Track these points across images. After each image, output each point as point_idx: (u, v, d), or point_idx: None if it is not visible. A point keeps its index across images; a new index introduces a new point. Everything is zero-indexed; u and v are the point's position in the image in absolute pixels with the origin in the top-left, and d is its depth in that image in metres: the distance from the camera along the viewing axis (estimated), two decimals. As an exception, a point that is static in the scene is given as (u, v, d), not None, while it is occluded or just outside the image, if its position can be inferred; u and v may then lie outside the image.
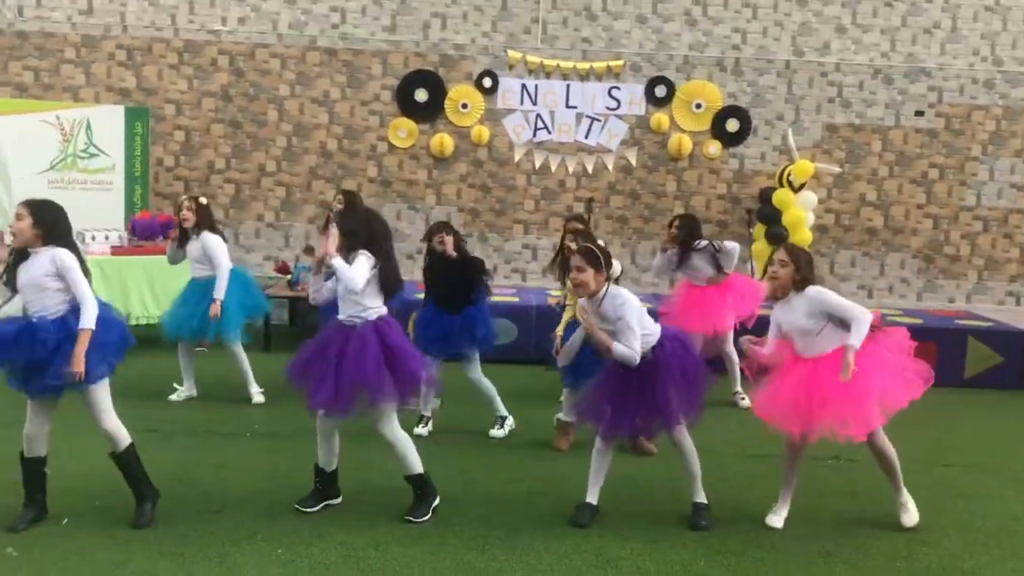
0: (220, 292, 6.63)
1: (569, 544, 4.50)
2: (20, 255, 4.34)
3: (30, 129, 9.23)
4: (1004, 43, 10.56)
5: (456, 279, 6.18)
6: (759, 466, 5.90)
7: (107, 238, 8.59)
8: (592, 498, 4.89)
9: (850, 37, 10.55)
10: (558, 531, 4.66)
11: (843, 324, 4.62)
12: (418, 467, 4.77)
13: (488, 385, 6.33)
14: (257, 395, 6.98)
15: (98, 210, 9.21)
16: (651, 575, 4.21)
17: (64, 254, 4.28)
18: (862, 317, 4.56)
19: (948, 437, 6.74)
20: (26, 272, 4.29)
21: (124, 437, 4.48)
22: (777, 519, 4.94)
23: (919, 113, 10.57)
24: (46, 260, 4.27)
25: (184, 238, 6.87)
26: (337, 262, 4.47)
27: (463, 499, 5.08)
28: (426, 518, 4.72)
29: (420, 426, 6.27)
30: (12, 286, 4.35)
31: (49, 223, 4.33)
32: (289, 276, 9.64)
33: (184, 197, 7.09)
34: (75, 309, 4.26)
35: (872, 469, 5.12)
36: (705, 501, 4.92)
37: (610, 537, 4.62)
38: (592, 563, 4.30)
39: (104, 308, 4.38)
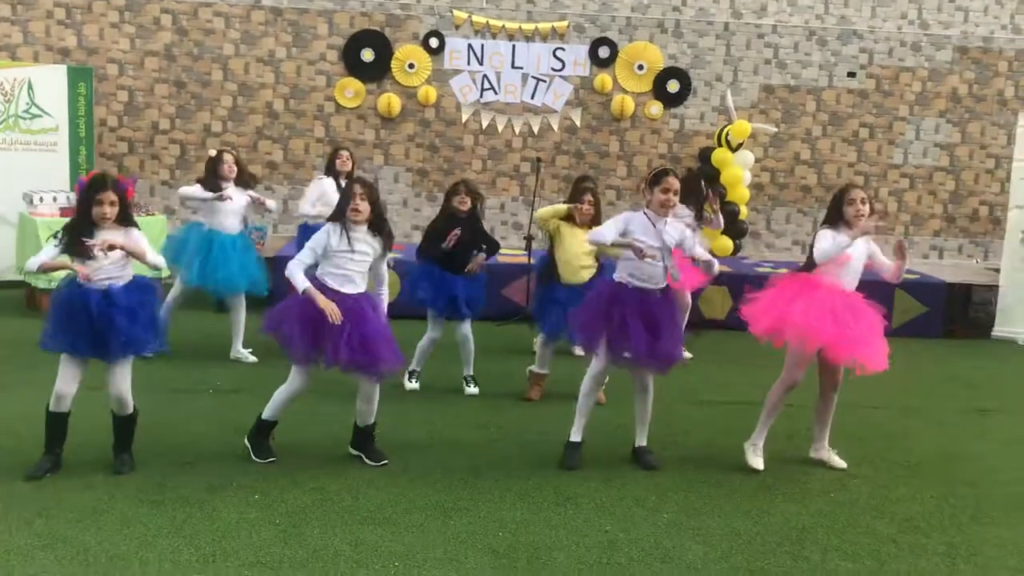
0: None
1: (530, 484, 4.79)
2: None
3: (-31, 89, 9.10)
4: (930, 6, 11.02)
5: (468, 240, 6.31)
6: (703, 411, 6.29)
7: (55, 199, 8.55)
8: (579, 436, 5.19)
9: (786, 0, 10.89)
10: (519, 472, 4.95)
11: None
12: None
13: (472, 344, 6.52)
14: (237, 352, 7.15)
15: (43, 171, 9.15)
16: (607, 510, 4.53)
17: (137, 233, 4.62)
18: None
19: (876, 383, 7.05)
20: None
21: (133, 404, 4.73)
22: (759, 460, 5.29)
23: (851, 74, 11.00)
24: (130, 239, 4.56)
25: (217, 188, 6.86)
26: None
27: (427, 446, 5.34)
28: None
29: (412, 380, 6.53)
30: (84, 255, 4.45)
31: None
32: (239, 236, 9.68)
33: (224, 150, 7.05)
34: (133, 279, 4.62)
35: (806, 415, 5.54)
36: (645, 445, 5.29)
37: (567, 477, 4.94)
38: (552, 500, 4.61)
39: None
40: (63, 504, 4.29)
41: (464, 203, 6.29)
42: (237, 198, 6.94)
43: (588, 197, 6.29)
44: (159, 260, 4.70)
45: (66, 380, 4.55)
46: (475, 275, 6.37)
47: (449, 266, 6.30)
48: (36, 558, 3.77)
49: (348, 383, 5.05)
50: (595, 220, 6.26)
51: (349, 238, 4.75)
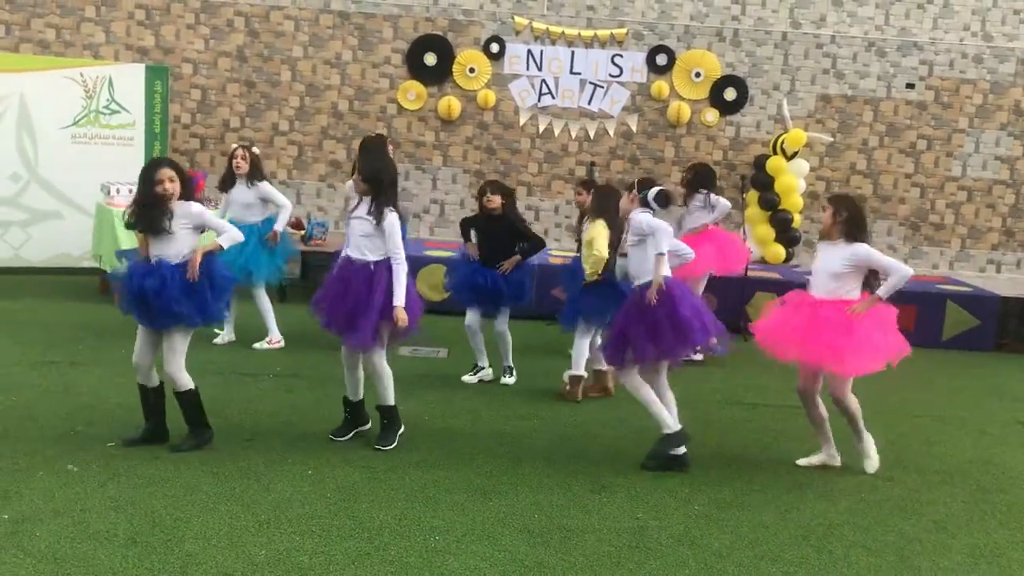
0: (282, 225, 7.39)
1: (568, 471, 5.01)
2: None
3: (55, 85, 9.61)
4: (994, 19, 10.94)
5: (499, 237, 6.59)
6: (741, 412, 6.43)
7: (131, 191, 8.95)
8: (676, 424, 5.19)
9: (845, 10, 10.92)
10: (558, 461, 5.18)
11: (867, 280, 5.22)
12: (392, 399, 5.25)
13: (509, 338, 6.77)
14: (277, 342, 7.45)
15: (120, 164, 9.61)
16: (641, 499, 4.72)
17: (197, 206, 4.90)
18: (901, 273, 5.12)
19: (921, 393, 7.23)
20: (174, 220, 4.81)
21: (185, 382, 4.93)
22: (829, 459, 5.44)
23: (910, 86, 10.97)
24: (187, 212, 4.84)
25: (229, 183, 7.34)
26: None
27: (471, 433, 5.60)
28: (393, 445, 5.21)
29: (470, 374, 6.80)
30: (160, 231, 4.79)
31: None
32: (303, 232, 10.08)
33: (236, 146, 7.52)
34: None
35: (841, 422, 5.62)
36: None
37: (604, 467, 5.14)
38: (588, 487, 4.82)
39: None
40: (133, 472, 4.63)
41: (491, 201, 6.55)
42: (244, 193, 7.32)
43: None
44: (233, 235, 4.98)
45: (138, 351, 4.91)
46: (507, 272, 6.56)
47: (488, 261, 6.58)
48: (109, 517, 4.11)
49: (401, 369, 5.33)
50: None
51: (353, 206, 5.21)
